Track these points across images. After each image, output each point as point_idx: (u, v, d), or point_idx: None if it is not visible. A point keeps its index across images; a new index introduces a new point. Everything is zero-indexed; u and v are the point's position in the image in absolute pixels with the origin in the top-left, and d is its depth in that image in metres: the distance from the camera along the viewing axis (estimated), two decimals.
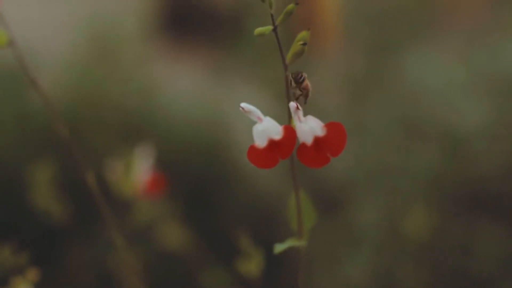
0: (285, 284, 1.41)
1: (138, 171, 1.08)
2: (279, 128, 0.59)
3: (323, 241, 1.45)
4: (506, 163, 1.48)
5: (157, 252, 1.36)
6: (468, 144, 1.51)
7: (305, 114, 0.59)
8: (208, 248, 1.33)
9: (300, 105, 0.58)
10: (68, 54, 1.87)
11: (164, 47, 2.46)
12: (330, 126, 0.58)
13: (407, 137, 1.58)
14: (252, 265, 0.80)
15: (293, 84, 0.59)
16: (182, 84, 1.99)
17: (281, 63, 0.59)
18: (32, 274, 0.77)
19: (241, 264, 0.80)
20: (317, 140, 0.58)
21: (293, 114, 0.58)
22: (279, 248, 0.65)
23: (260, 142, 0.58)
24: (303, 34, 0.58)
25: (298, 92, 0.60)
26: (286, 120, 0.61)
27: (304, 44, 0.58)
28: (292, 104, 0.58)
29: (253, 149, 0.59)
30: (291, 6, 0.56)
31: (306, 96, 0.61)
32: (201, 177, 1.64)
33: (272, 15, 0.56)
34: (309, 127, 0.58)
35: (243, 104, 0.59)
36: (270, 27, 0.57)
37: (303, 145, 0.58)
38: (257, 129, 0.59)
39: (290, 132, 0.58)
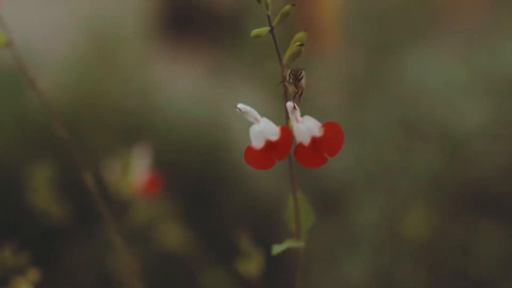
0: (285, 284, 1.41)
1: (136, 171, 1.09)
2: (276, 129, 0.58)
3: (322, 241, 1.45)
4: (506, 163, 1.48)
5: (156, 252, 1.36)
6: (468, 144, 1.51)
7: (304, 114, 0.59)
8: (208, 248, 1.33)
9: (296, 104, 0.58)
10: (68, 54, 1.88)
11: (164, 47, 2.46)
12: (328, 126, 0.58)
13: (407, 137, 1.58)
14: (251, 265, 0.80)
15: (291, 79, 0.59)
16: (181, 84, 1.99)
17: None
18: (33, 274, 0.77)
19: (241, 264, 0.80)
20: (314, 140, 0.58)
21: (290, 114, 0.58)
22: (277, 249, 0.65)
23: (257, 143, 0.58)
24: (300, 35, 0.58)
25: (293, 88, 0.59)
26: (285, 120, 0.61)
27: (301, 45, 0.58)
28: (289, 104, 0.58)
29: (250, 150, 0.59)
30: (287, 7, 0.56)
31: (301, 94, 0.61)
32: (200, 177, 1.64)
33: (268, 16, 0.56)
34: (307, 127, 0.58)
35: (239, 105, 0.59)
36: (267, 28, 0.57)
37: (301, 145, 0.58)
38: (254, 130, 0.59)
39: (286, 133, 0.58)
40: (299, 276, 0.73)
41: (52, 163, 1.10)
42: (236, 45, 1.84)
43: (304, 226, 0.69)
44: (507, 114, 1.53)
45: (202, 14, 2.86)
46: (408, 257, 1.38)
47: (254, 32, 0.57)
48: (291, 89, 0.59)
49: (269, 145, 0.58)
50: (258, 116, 0.59)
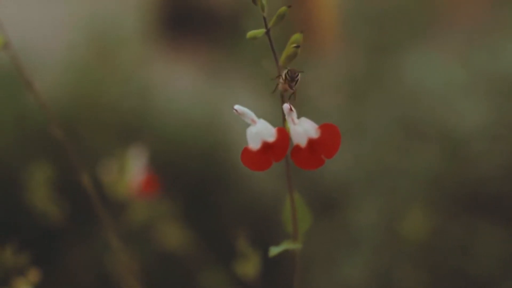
0: (284, 284, 1.41)
1: (132, 172, 1.09)
2: (273, 130, 0.58)
3: (321, 242, 1.45)
4: (506, 163, 1.48)
5: (155, 252, 1.36)
6: (468, 144, 1.51)
7: (304, 114, 0.59)
8: (207, 248, 1.33)
9: (292, 106, 0.58)
10: (67, 54, 1.88)
11: (163, 48, 2.46)
12: (324, 128, 0.58)
13: (407, 137, 1.58)
14: (249, 266, 0.80)
15: (287, 79, 0.59)
16: (181, 84, 1.99)
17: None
18: (33, 275, 0.77)
19: (238, 266, 0.80)
20: (311, 142, 0.58)
21: (286, 116, 0.58)
22: (274, 251, 0.65)
23: (254, 144, 0.58)
24: (296, 37, 0.58)
25: (286, 88, 0.59)
26: (282, 121, 0.60)
27: (297, 46, 0.57)
28: (286, 106, 0.58)
29: (246, 151, 0.58)
30: (283, 9, 0.56)
31: (294, 95, 0.60)
32: (199, 178, 1.64)
33: (264, 18, 0.56)
34: (303, 129, 0.58)
35: (236, 106, 0.59)
36: (263, 30, 0.57)
37: (297, 147, 0.58)
38: (251, 131, 0.58)
39: (283, 134, 0.58)
40: (298, 277, 0.73)
41: (51, 164, 1.10)
42: (235, 46, 1.84)
43: (301, 227, 0.69)
44: (507, 114, 1.53)
45: (201, 14, 2.86)
46: (407, 258, 1.38)
47: (250, 34, 0.57)
48: (283, 88, 0.59)
49: (266, 146, 0.58)
50: (255, 118, 0.59)
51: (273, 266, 1.07)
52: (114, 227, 0.91)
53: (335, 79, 1.79)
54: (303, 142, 0.58)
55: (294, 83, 0.58)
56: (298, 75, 0.58)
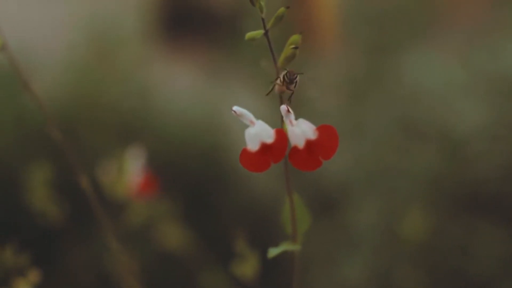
0: (284, 285, 1.41)
1: (130, 172, 1.09)
2: (271, 131, 0.58)
3: (321, 242, 1.45)
4: (506, 163, 1.47)
5: (155, 252, 1.36)
6: (468, 144, 1.51)
7: (303, 114, 0.59)
8: (207, 248, 1.33)
9: (289, 106, 0.58)
10: (67, 54, 1.88)
11: (163, 48, 2.46)
12: (322, 129, 0.58)
13: (406, 138, 1.58)
14: (247, 267, 0.80)
15: (285, 81, 0.58)
16: (180, 84, 1.99)
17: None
18: (33, 275, 0.77)
19: (236, 267, 0.80)
20: (309, 143, 0.58)
21: (284, 118, 0.58)
22: (273, 252, 0.65)
23: (252, 145, 0.58)
24: (294, 38, 0.57)
25: (283, 89, 0.59)
26: (281, 122, 0.60)
27: (296, 48, 0.57)
28: (283, 107, 0.58)
29: (245, 153, 0.58)
30: (282, 10, 0.56)
31: (291, 96, 0.60)
32: (198, 178, 1.64)
33: (263, 19, 0.56)
34: (301, 130, 0.58)
35: (235, 108, 0.59)
36: (262, 31, 0.57)
37: (295, 149, 0.58)
38: (249, 132, 0.58)
39: (282, 135, 0.58)
40: (297, 277, 0.73)
41: (51, 164, 1.10)
42: (234, 46, 1.84)
43: (300, 228, 0.69)
44: (506, 115, 1.52)
45: (201, 14, 2.86)
46: (407, 258, 1.38)
47: (248, 35, 0.57)
48: (280, 89, 0.59)
49: (265, 147, 0.58)
50: (254, 119, 0.59)
51: (273, 266, 1.07)
52: (113, 227, 0.91)
53: (335, 79, 1.79)
54: (300, 144, 0.58)
55: (293, 85, 0.58)
56: (296, 76, 0.58)
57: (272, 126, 0.60)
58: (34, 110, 1.62)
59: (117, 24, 1.92)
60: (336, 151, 0.58)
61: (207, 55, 2.28)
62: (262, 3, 0.56)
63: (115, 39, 1.89)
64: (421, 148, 1.54)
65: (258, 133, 0.58)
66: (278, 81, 0.58)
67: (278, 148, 0.58)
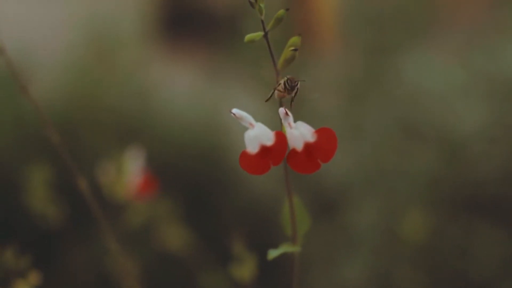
0: (284, 286, 1.41)
1: (129, 173, 1.09)
2: (271, 134, 0.58)
3: (321, 243, 1.45)
4: (505, 164, 1.47)
5: (155, 253, 1.36)
6: (467, 146, 1.51)
7: (303, 115, 0.59)
8: (207, 249, 1.33)
9: (288, 110, 0.58)
10: (66, 54, 1.88)
11: (162, 49, 2.46)
12: (321, 132, 0.58)
13: (406, 139, 1.58)
14: (245, 270, 0.80)
15: (287, 87, 0.58)
16: (180, 85, 1.99)
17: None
18: (33, 277, 0.77)
19: (234, 269, 0.80)
20: (307, 146, 0.58)
21: (283, 120, 0.58)
22: (272, 254, 0.64)
23: (252, 148, 0.58)
24: (294, 40, 0.57)
25: (284, 96, 0.59)
26: (280, 124, 0.60)
27: (295, 49, 0.57)
28: (281, 110, 0.57)
29: (245, 155, 0.58)
30: (281, 11, 0.56)
31: (291, 101, 0.60)
32: (198, 179, 1.64)
33: (262, 21, 0.56)
34: (299, 133, 0.58)
35: (234, 110, 0.58)
36: (261, 34, 0.57)
37: (294, 151, 0.58)
38: (249, 135, 0.58)
39: (281, 138, 0.58)
40: (296, 279, 0.73)
41: (50, 165, 1.10)
42: (234, 47, 1.84)
43: (300, 230, 0.68)
44: (506, 116, 1.52)
45: (200, 15, 2.86)
46: (406, 259, 1.38)
47: (248, 37, 0.57)
48: (281, 96, 0.59)
49: (264, 150, 0.58)
50: (253, 121, 0.59)
51: (273, 267, 1.07)
52: (112, 228, 0.91)
53: (334, 80, 1.79)
54: (299, 146, 0.58)
55: (294, 91, 0.58)
56: (297, 83, 0.58)
57: (271, 127, 0.60)
58: (34, 111, 1.62)
59: (116, 25, 1.92)
60: (335, 154, 0.58)
61: (206, 56, 2.28)
62: (262, 5, 0.55)
63: (114, 39, 1.89)
64: (421, 149, 1.54)
65: (257, 135, 0.58)
66: (279, 88, 0.58)
67: (278, 150, 0.58)
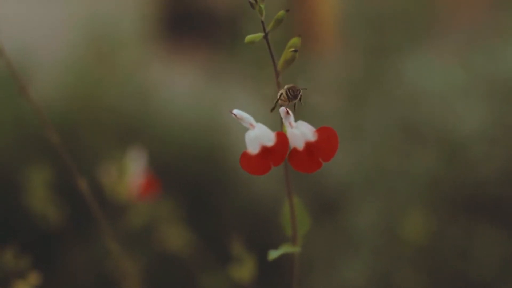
0: (284, 286, 1.41)
1: (131, 174, 1.08)
2: (272, 134, 0.58)
3: (321, 244, 1.45)
4: (505, 165, 1.47)
5: (155, 254, 1.36)
6: (467, 147, 1.51)
7: (303, 116, 0.59)
8: (208, 250, 1.33)
9: (290, 110, 0.58)
10: (66, 55, 1.88)
11: (162, 49, 2.45)
12: (322, 131, 0.58)
13: (406, 140, 1.58)
14: (244, 271, 0.80)
15: (289, 97, 0.59)
16: (180, 86, 1.99)
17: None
18: (33, 278, 0.77)
19: (234, 270, 0.80)
20: (308, 145, 0.58)
21: (284, 120, 0.58)
22: (273, 255, 0.64)
23: (253, 148, 0.58)
24: (294, 41, 0.57)
25: (288, 104, 0.59)
26: (280, 125, 0.60)
27: (295, 50, 0.57)
28: (282, 110, 0.57)
29: (245, 156, 0.58)
30: (281, 13, 0.56)
31: (294, 107, 0.60)
32: (198, 179, 1.64)
33: (262, 22, 0.56)
34: (300, 132, 0.58)
35: (235, 111, 0.58)
36: (261, 35, 0.57)
37: (295, 150, 0.58)
38: (249, 135, 0.58)
39: (282, 138, 0.58)
40: (296, 280, 0.73)
41: (50, 165, 1.10)
42: (234, 47, 1.84)
43: (300, 230, 0.68)
44: (506, 116, 1.52)
45: (201, 16, 2.86)
46: (406, 260, 1.38)
47: (248, 38, 0.57)
48: (284, 104, 0.59)
49: (265, 150, 0.58)
50: (254, 122, 0.59)
51: (274, 267, 1.07)
52: (112, 229, 0.90)
53: (335, 80, 1.79)
54: (300, 145, 0.58)
55: (297, 99, 0.58)
56: (299, 91, 0.58)
57: (272, 128, 0.59)
58: (33, 112, 1.62)
59: (116, 25, 1.92)
60: (336, 152, 0.58)
61: (207, 56, 2.28)
62: (262, 6, 0.55)
63: (114, 39, 1.89)
64: (421, 150, 1.54)
65: (258, 136, 0.58)
66: (281, 98, 0.58)
67: (279, 151, 0.58)
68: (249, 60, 1.76)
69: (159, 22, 2.73)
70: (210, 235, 1.44)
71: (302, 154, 0.58)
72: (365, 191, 1.50)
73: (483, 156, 1.48)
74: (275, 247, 0.66)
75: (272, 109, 0.60)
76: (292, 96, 0.58)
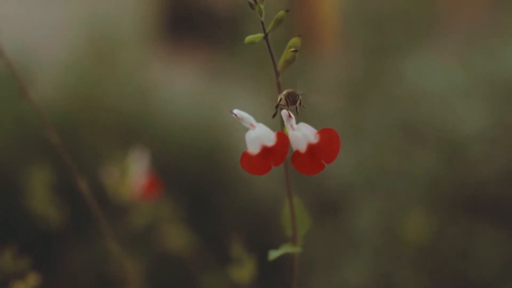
0: (284, 286, 1.41)
1: (134, 175, 1.08)
2: (272, 134, 0.58)
3: (321, 244, 1.45)
4: (505, 166, 1.47)
5: (157, 254, 1.36)
6: (467, 146, 1.51)
7: (304, 117, 0.59)
8: (208, 250, 1.33)
9: (293, 113, 0.58)
10: (67, 55, 1.87)
11: (162, 49, 2.46)
12: (324, 133, 0.58)
13: (406, 140, 1.57)
14: (244, 271, 0.80)
15: (288, 102, 0.58)
16: (180, 86, 1.99)
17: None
18: (32, 279, 0.77)
19: (233, 271, 0.80)
20: (310, 147, 0.58)
21: (285, 122, 0.58)
22: (273, 255, 0.64)
23: (253, 148, 0.58)
24: (294, 41, 0.57)
25: (287, 109, 0.59)
26: (281, 125, 0.60)
27: (295, 50, 0.57)
28: (284, 112, 0.57)
29: (246, 156, 0.58)
30: (281, 13, 0.56)
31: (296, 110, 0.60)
32: (199, 179, 1.63)
33: (262, 23, 0.56)
34: (302, 134, 0.58)
35: (235, 111, 0.58)
36: (261, 35, 0.57)
37: (297, 153, 0.58)
38: (250, 135, 0.58)
39: (282, 138, 0.58)
40: (296, 280, 0.73)
41: (51, 166, 1.10)
42: (235, 47, 1.84)
43: (300, 231, 0.68)
44: (506, 117, 1.52)
45: (201, 16, 2.86)
46: (407, 260, 1.38)
47: (248, 39, 0.57)
48: (284, 107, 0.59)
49: (265, 150, 0.58)
50: (254, 122, 0.59)
51: (273, 268, 1.07)
52: (112, 229, 0.90)
53: (335, 81, 1.79)
54: (302, 148, 0.58)
55: (297, 104, 0.58)
56: (299, 96, 0.58)
57: (272, 128, 0.59)
58: (34, 112, 1.62)
59: (117, 25, 1.92)
60: (338, 154, 0.58)
61: (207, 56, 2.28)
62: (262, 7, 0.55)
63: (115, 40, 1.89)
64: (421, 150, 1.54)
65: (258, 136, 0.58)
66: (281, 103, 0.58)
67: (279, 151, 0.58)
68: (249, 60, 1.76)
69: (159, 22, 2.73)
70: (210, 235, 1.44)
71: (304, 156, 0.58)
72: (365, 191, 1.50)
73: (483, 156, 1.48)
74: (275, 247, 0.66)
75: (274, 115, 0.60)
76: (291, 101, 0.58)
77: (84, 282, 1.41)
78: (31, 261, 0.79)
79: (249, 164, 0.58)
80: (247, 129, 0.59)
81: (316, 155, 0.58)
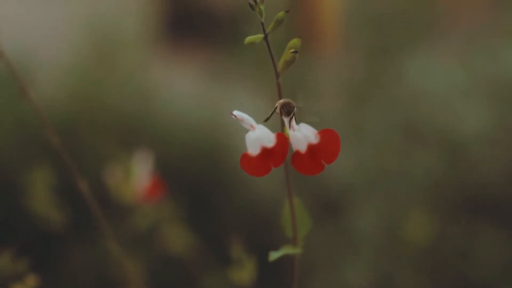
0: (285, 287, 1.41)
1: (137, 176, 1.08)
2: (272, 135, 0.58)
3: (322, 245, 1.45)
4: (505, 167, 1.47)
5: (158, 255, 1.36)
6: (468, 148, 1.51)
7: (303, 117, 0.59)
8: (209, 251, 1.33)
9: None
10: (67, 55, 1.87)
11: (163, 50, 2.46)
12: (324, 133, 0.58)
13: (407, 141, 1.58)
14: (244, 273, 0.79)
15: (283, 113, 0.58)
16: (180, 86, 1.99)
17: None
18: (31, 281, 0.77)
19: (233, 272, 0.80)
20: (311, 147, 0.58)
21: (286, 123, 0.58)
22: (273, 256, 0.64)
23: (253, 150, 0.58)
24: (294, 42, 0.57)
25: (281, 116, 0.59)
26: (280, 125, 0.60)
27: (295, 52, 0.57)
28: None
29: (245, 157, 0.58)
30: (281, 14, 0.56)
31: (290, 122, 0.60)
32: (200, 180, 1.63)
33: (262, 23, 0.56)
34: (303, 135, 0.58)
35: (235, 112, 0.58)
36: (261, 36, 0.57)
37: (297, 153, 0.58)
38: (250, 137, 0.58)
39: (282, 139, 0.58)
40: (296, 281, 0.73)
41: (52, 167, 1.10)
42: (235, 48, 1.84)
43: (300, 231, 0.68)
44: (507, 117, 1.52)
45: (201, 17, 2.86)
46: (408, 262, 1.38)
47: (248, 39, 0.57)
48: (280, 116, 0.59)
49: (265, 152, 0.58)
50: (254, 123, 0.59)
51: (274, 269, 1.07)
52: (113, 230, 0.90)
53: (336, 81, 1.79)
54: (303, 148, 0.58)
55: (291, 115, 0.58)
56: (294, 108, 0.58)
57: (272, 129, 0.59)
58: (34, 112, 1.62)
59: (117, 25, 1.92)
60: (339, 154, 0.58)
61: (207, 57, 2.28)
62: (262, 7, 0.55)
63: (115, 40, 1.89)
64: (422, 151, 1.54)
65: (258, 137, 0.58)
66: (276, 111, 0.58)
67: (279, 152, 0.58)
68: (250, 60, 1.76)
69: (160, 22, 2.73)
70: (211, 235, 1.44)
71: (304, 157, 0.58)
72: (366, 191, 1.50)
73: (484, 157, 1.48)
74: (276, 248, 0.66)
75: (267, 119, 0.60)
76: (286, 112, 0.58)
77: (85, 282, 1.41)
78: (31, 261, 0.79)
79: (249, 165, 0.58)
80: (247, 130, 0.59)
81: (316, 155, 0.58)
